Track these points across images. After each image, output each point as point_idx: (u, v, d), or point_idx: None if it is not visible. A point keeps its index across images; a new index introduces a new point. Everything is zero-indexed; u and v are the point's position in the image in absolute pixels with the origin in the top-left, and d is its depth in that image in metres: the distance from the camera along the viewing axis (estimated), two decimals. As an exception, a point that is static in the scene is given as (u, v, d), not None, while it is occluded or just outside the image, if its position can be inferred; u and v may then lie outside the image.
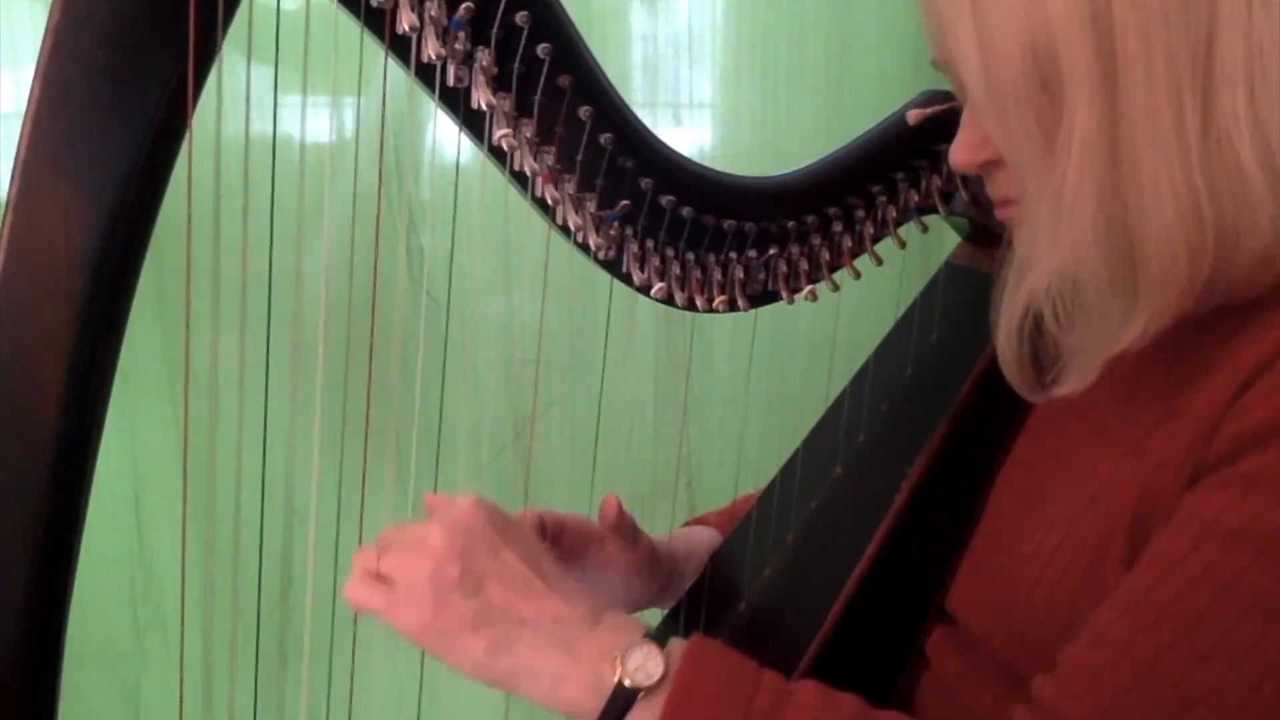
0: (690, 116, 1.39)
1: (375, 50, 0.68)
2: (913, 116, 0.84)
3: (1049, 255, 0.63)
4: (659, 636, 0.65)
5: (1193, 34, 0.57)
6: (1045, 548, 0.68)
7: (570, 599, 0.67)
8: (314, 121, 0.92)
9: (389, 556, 0.68)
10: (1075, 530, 0.67)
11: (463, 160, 0.77)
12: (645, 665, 0.64)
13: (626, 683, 0.63)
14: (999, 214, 0.72)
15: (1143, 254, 0.60)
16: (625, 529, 0.89)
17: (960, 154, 0.70)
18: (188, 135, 0.63)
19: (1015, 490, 0.77)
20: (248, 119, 0.68)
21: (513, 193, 0.77)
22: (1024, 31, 0.59)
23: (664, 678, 0.63)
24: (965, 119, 0.70)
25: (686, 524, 1.04)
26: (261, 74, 0.74)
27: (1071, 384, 0.67)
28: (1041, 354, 0.72)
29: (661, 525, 0.97)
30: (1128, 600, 0.60)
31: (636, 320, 1.35)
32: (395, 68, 0.69)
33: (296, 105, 0.78)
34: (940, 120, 0.83)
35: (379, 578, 0.68)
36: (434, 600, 0.66)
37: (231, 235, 0.69)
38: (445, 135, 0.74)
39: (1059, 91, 0.59)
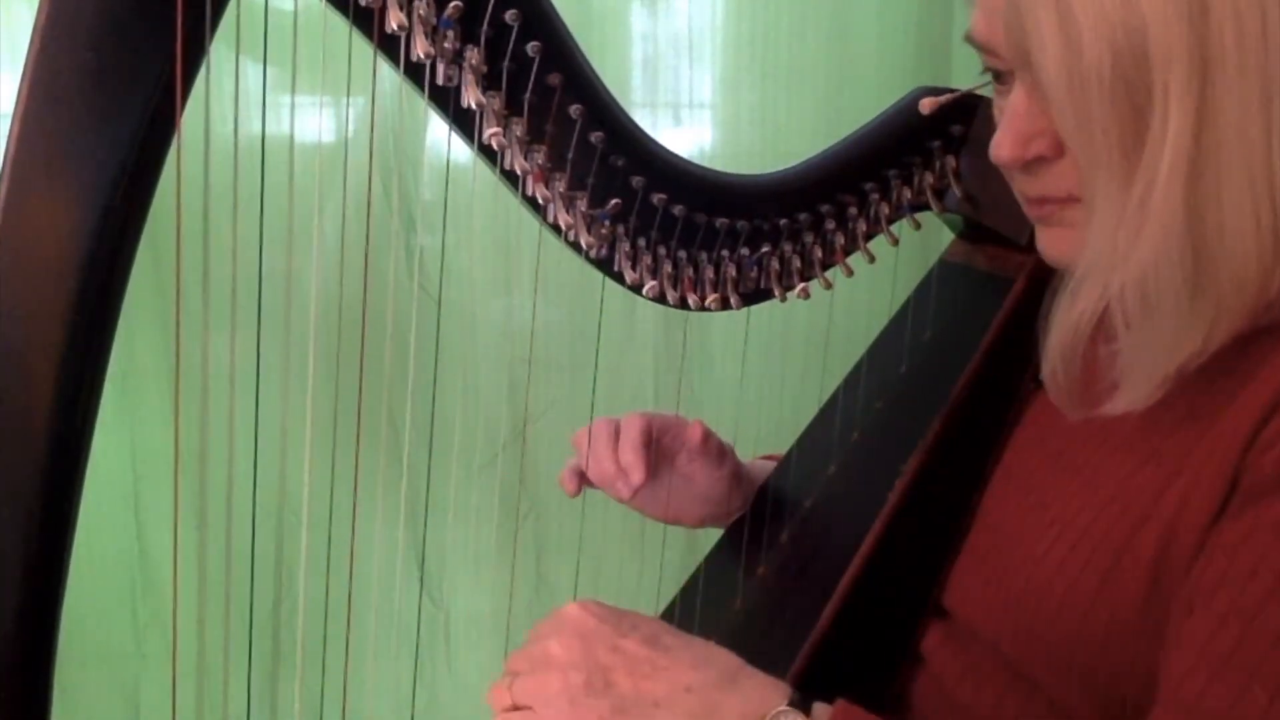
0: (690, 116, 1.38)
1: (367, 50, 0.68)
2: (926, 105, 0.82)
3: (1118, 266, 0.59)
4: (801, 701, 0.65)
5: None
6: (1058, 549, 0.67)
7: (700, 663, 0.68)
8: (306, 121, 0.93)
9: (519, 684, 0.69)
10: (1090, 533, 0.66)
11: (463, 160, 0.77)
12: None
13: None
14: (1034, 212, 0.68)
15: (1216, 269, 0.58)
16: (710, 451, 0.95)
17: (1008, 147, 0.65)
18: (177, 135, 0.63)
19: (1016, 487, 0.76)
20: (236, 118, 0.68)
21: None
22: (1114, 30, 0.56)
23: None
24: (1015, 111, 0.64)
25: (758, 459, 1.05)
26: (252, 74, 0.74)
27: (1124, 402, 0.63)
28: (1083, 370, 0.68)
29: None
30: (1209, 660, 0.57)
31: (635, 320, 1.35)
32: (390, 68, 0.69)
33: (287, 105, 0.78)
34: (941, 114, 0.83)
35: (517, 708, 0.69)
36: (570, 709, 0.66)
37: (227, 236, 0.70)
38: (445, 135, 0.74)
39: (1145, 95, 0.56)
